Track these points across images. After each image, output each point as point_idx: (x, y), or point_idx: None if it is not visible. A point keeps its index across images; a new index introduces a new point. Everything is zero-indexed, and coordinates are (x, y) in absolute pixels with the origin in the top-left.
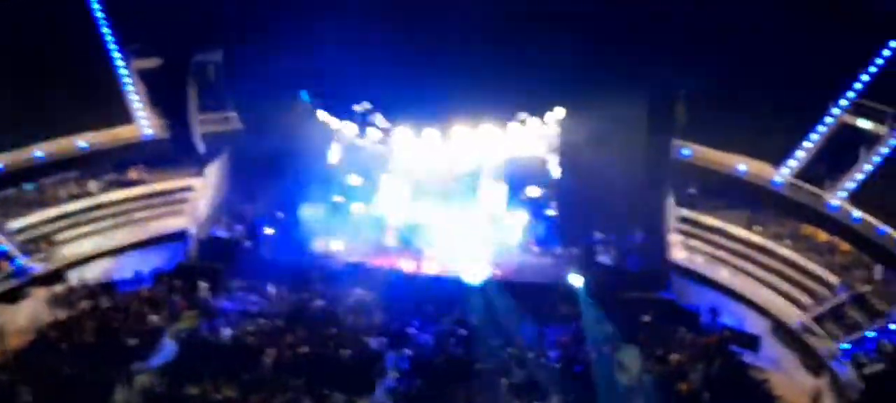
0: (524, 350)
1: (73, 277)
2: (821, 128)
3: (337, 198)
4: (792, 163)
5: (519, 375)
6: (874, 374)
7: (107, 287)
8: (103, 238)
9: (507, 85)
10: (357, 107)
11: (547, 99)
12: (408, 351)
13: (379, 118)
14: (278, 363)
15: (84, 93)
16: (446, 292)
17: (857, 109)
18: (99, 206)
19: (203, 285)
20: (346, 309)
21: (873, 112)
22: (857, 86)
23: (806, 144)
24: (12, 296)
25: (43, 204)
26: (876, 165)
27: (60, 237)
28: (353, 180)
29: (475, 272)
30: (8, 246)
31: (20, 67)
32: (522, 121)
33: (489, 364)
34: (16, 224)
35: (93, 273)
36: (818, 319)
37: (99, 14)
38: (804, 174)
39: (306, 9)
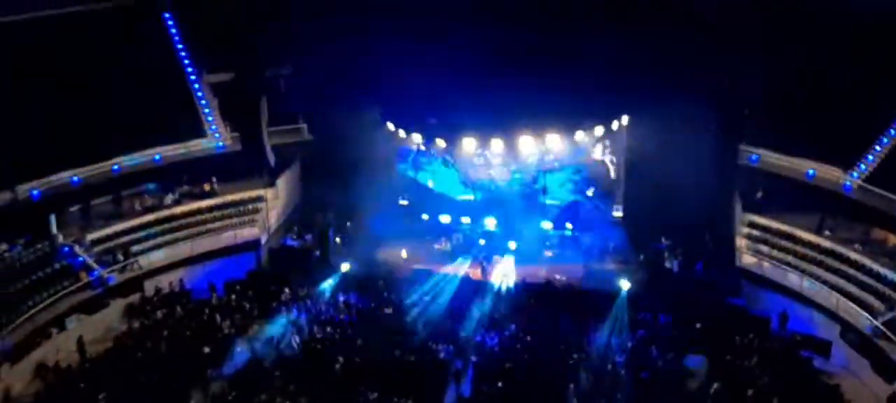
0: (590, 356)
1: (149, 287)
2: (891, 132)
3: (403, 203)
4: (862, 166)
5: (585, 381)
6: None
7: (181, 296)
8: (178, 248)
9: (573, 93)
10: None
11: (613, 106)
12: (474, 358)
13: (444, 128)
14: (348, 370)
15: (159, 108)
16: (512, 298)
17: None
18: (173, 217)
19: (286, 291)
20: (413, 317)
21: None
22: None
23: (876, 148)
24: (90, 306)
25: (119, 216)
26: None
27: (136, 248)
28: (427, 185)
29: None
30: (86, 258)
31: (97, 83)
32: (589, 129)
33: (555, 370)
34: (93, 235)
35: (167, 282)
36: (890, 324)
37: (174, 30)
38: (874, 178)
39: (373, 24)
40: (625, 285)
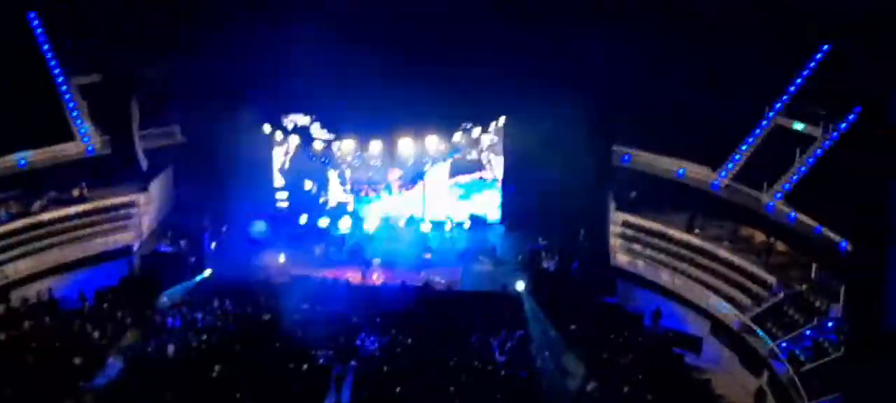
0: (470, 357)
1: (15, 297)
2: (756, 131)
3: (281, 204)
4: (729, 165)
5: (465, 382)
6: (811, 371)
7: (49, 306)
8: (46, 256)
9: (451, 95)
10: (301, 120)
11: (490, 108)
12: (354, 363)
13: (323, 130)
14: (225, 378)
15: (24, 110)
16: (392, 302)
17: (791, 112)
18: (41, 224)
19: (161, 298)
20: (292, 323)
21: (807, 114)
22: (791, 88)
23: (742, 146)
24: None
25: None
26: (810, 166)
27: (1, 256)
28: (304, 187)
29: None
30: None
31: None
32: (466, 130)
33: (435, 372)
34: None
35: (35, 292)
36: (757, 319)
37: (39, 30)
38: (741, 176)
39: (250, 22)
40: (520, 286)
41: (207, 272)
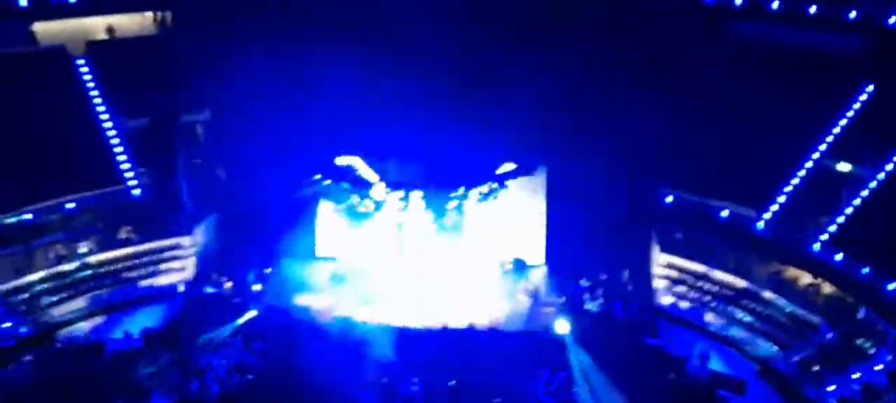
0: (513, 399)
1: (62, 338)
2: (801, 173)
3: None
4: (773, 207)
5: None
6: None
7: (95, 346)
8: (93, 298)
9: (495, 146)
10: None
11: (532, 155)
12: None
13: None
14: None
15: (73, 155)
16: (435, 343)
17: (836, 153)
18: (88, 267)
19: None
20: (335, 364)
21: (852, 155)
22: (836, 130)
23: (786, 189)
24: (1, 359)
25: (32, 266)
26: (856, 208)
27: (50, 298)
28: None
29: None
30: None
31: (9, 130)
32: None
33: None
34: (4, 286)
35: (82, 333)
36: (804, 361)
37: (87, 77)
38: (785, 218)
39: (295, 66)
40: (563, 327)
41: (251, 313)
